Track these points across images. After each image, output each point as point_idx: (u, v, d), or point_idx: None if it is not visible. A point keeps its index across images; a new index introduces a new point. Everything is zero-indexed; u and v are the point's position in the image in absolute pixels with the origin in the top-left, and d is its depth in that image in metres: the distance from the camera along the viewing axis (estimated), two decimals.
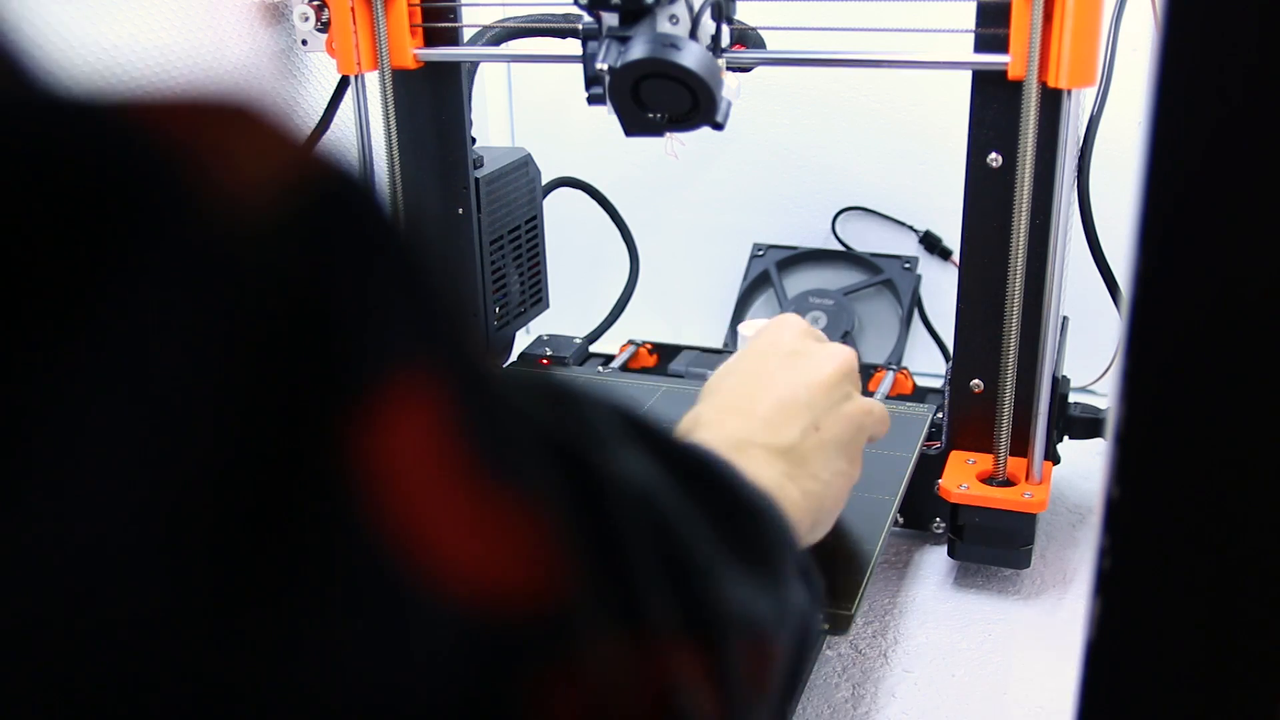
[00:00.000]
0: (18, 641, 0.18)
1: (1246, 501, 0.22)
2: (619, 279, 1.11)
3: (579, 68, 0.77)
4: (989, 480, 0.82)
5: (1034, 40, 0.72)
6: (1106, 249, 0.88)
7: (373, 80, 0.89)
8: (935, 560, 0.87)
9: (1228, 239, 0.20)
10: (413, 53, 0.88)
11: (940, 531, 0.85)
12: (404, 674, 0.20)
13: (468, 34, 0.91)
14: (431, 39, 0.89)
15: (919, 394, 0.96)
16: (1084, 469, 0.94)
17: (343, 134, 0.97)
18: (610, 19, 0.74)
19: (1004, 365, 0.79)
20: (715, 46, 0.75)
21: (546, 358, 0.99)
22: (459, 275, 0.96)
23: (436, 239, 0.94)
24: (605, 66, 0.74)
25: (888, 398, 0.93)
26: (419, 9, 0.88)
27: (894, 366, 0.98)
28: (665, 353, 1.04)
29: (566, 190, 1.10)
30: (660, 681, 0.27)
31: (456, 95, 0.92)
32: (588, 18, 0.76)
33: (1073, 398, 0.87)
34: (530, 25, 0.90)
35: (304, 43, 0.89)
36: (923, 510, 0.86)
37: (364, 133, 0.90)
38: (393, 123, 0.90)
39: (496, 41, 0.91)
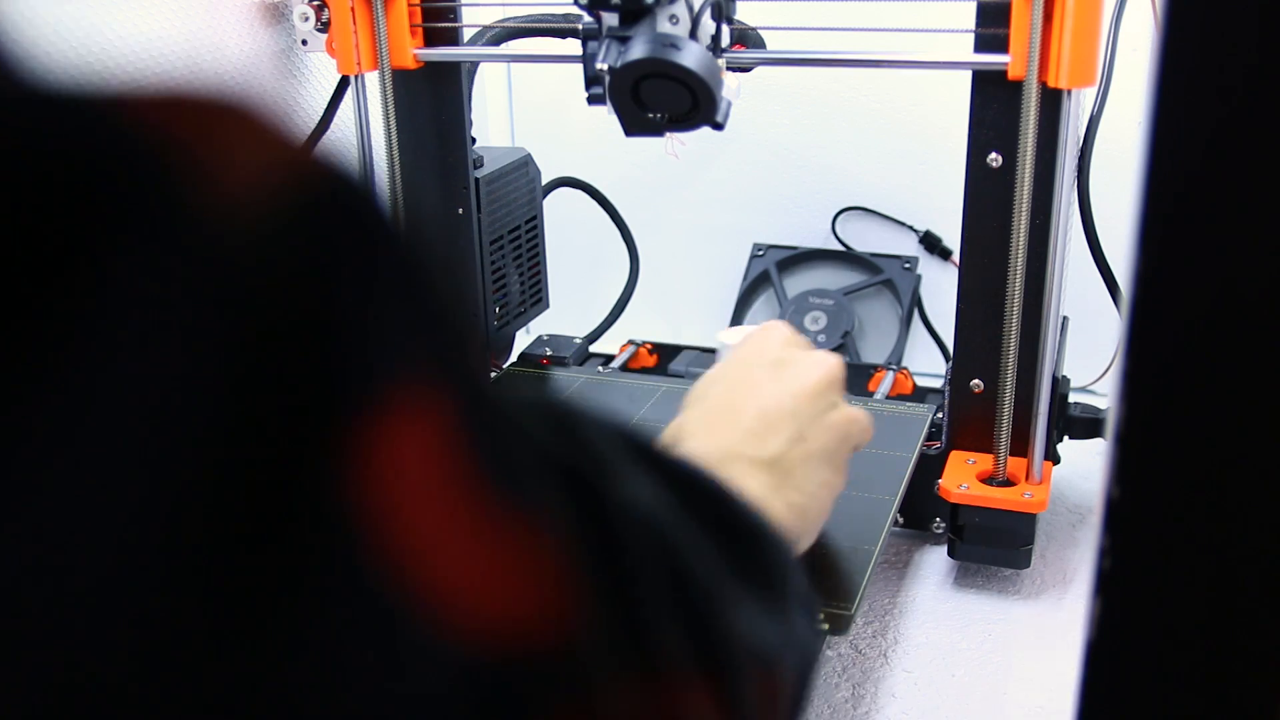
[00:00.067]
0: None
1: (1246, 501, 0.22)
2: (619, 279, 1.11)
3: (579, 68, 0.77)
4: (989, 480, 0.82)
5: (1034, 40, 0.72)
6: (1106, 249, 0.88)
7: (373, 80, 0.89)
8: (935, 560, 0.87)
9: (1227, 239, 0.20)
10: (413, 53, 0.88)
11: (940, 531, 0.85)
12: (402, 713, 0.19)
13: (468, 34, 0.91)
14: (431, 39, 0.89)
15: (919, 394, 0.96)
16: (1084, 469, 0.94)
17: (343, 134, 0.97)
18: (610, 19, 0.74)
19: (1004, 365, 0.79)
20: (715, 46, 0.75)
21: (546, 358, 0.99)
22: (459, 275, 0.96)
23: (436, 239, 0.95)
24: (605, 66, 0.74)
25: (888, 398, 0.93)
26: (419, 9, 0.88)
27: (894, 366, 0.98)
28: (665, 353, 1.04)
29: (566, 190, 1.10)
30: (671, 716, 0.27)
31: (456, 95, 0.92)
32: (588, 18, 0.76)
33: (1073, 398, 0.87)
34: (530, 25, 0.90)
35: (304, 43, 0.89)
36: (923, 510, 0.86)
37: (364, 133, 0.90)
38: (393, 123, 0.90)
39: (496, 41, 0.91)
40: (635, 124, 0.76)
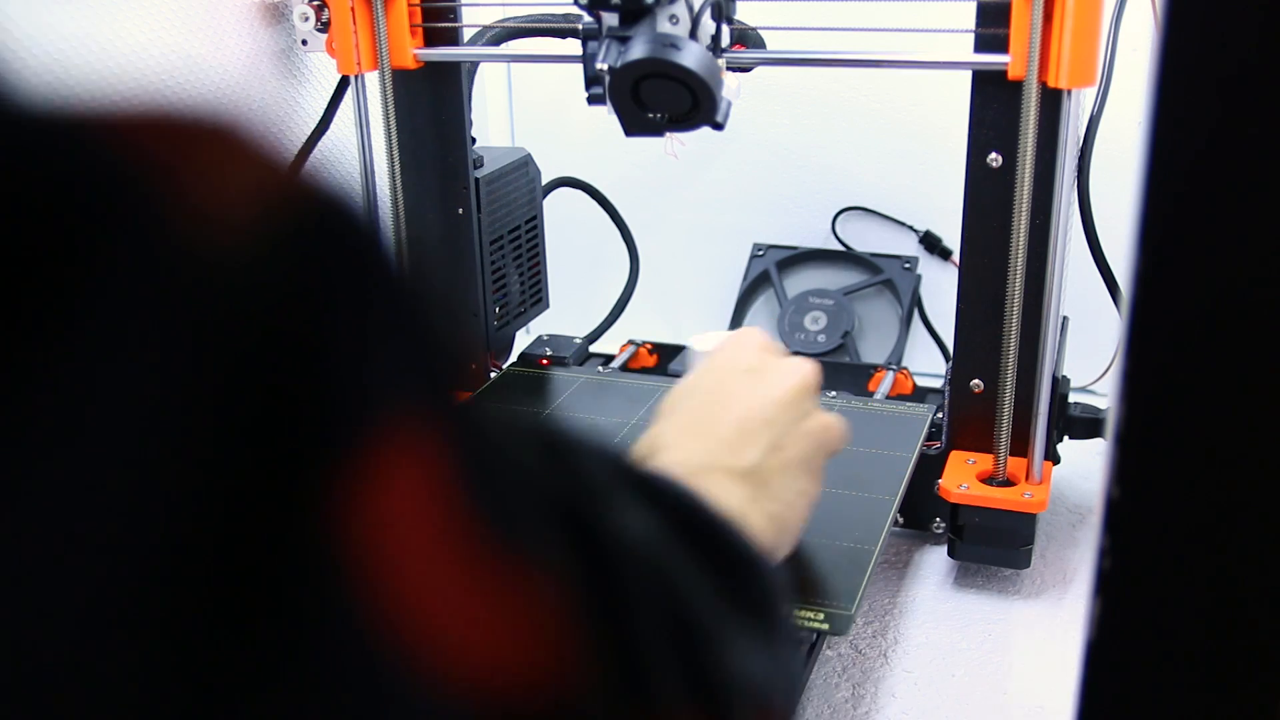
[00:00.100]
0: None
1: (1246, 501, 0.22)
2: (619, 279, 1.11)
3: (579, 68, 0.77)
4: (989, 480, 0.82)
5: (1034, 40, 0.72)
6: (1106, 249, 0.88)
7: (373, 80, 0.89)
8: (935, 560, 0.87)
9: (1227, 239, 0.20)
10: (413, 53, 0.88)
11: (940, 531, 0.85)
12: None
13: (468, 34, 0.91)
14: (431, 39, 0.89)
15: (919, 394, 0.96)
16: (1084, 469, 0.94)
17: (343, 134, 0.97)
18: (610, 19, 0.74)
19: (1004, 365, 0.79)
20: (715, 46, 0.75)
21: (546, 358, 0.99)
22: (459, 275, 0.96)
23: (436, 239, 0.94)
24: (605, 66, 0.74)
25: (888, 398, 0.93)
26: (419, 9, 0.88)
27: (894, 366, 0.98)
28: (665, 353, 1.04)
29: (566, 190, 1.10)
30: None
31: (456, 95, 0.92)
32: (588, 18, 0.76)
33: (1073, 398, 0.87)
34: (530, 25, 0.90)
35: (304, 43, 0.89)
36: (923, 510, 0.86)
37: (364, 133, 0.90)
38: (393, 123, 0.90)
39: (496, 41, 0.91)
40: (635, 124, 0.76)
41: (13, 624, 0.16)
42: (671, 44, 0.72)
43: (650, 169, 1.21)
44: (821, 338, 1.11)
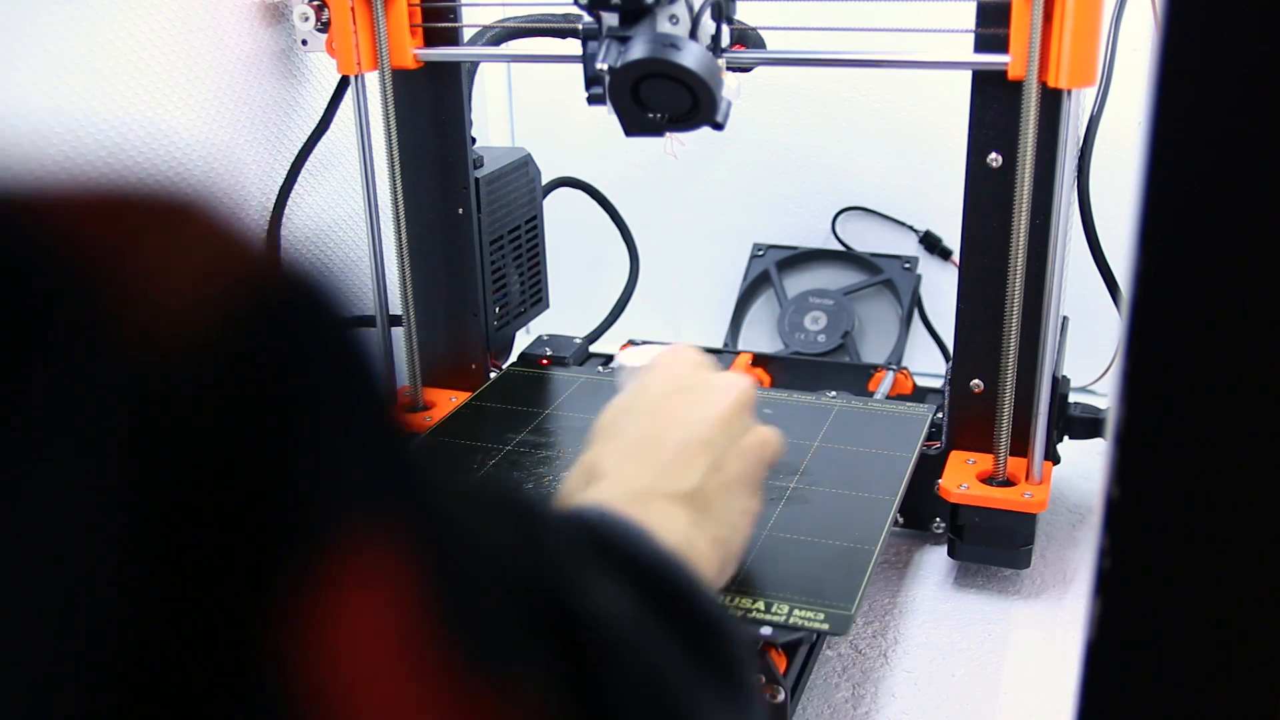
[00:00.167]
0: None
1: (1246, 501, 0.22)
2: (619, 279, 1.11)
3: (579, 68, 0.77)
4: (989, 480, 0.82)
5: (1034, 40, 0.72)
6: (1106, 249, 0.88)
7: (373, 80, 0.89)
8: (935, 560, 0.87)
9: (1228, 239, 0.20)
10: (413, 53, 0.88)
11: (940, 531, 0.85)
12: None
13: (468, 34, 0.91)
14: (431, 39, 0.89)
15: (919, 394, 0.96)
16: (1084, 469, 0.94)
17: (343, 134, 0.97)
18: (610, 19, 0.74)
19: (1004, 365, 0.79)
20: (715, 46, 0.75)
21: (546, 358, 0.99)
22: (459, 275, 0.96)
23: (436, 239, 0.94)
24: (605, 66, 0.74)
25: (888, 398, 0.93)
26: (419, 9, 0.88)
27: (894, 366, 0.98)
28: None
29: (566, 190, 1.10)
30: None
31: (456, 95, 0.92)
32: (588, 18, 0.76)
33: (1073, 398, 0.87)
34: (530, 25, 0.90)
35: (304, 43, 0.89)
36: (923, 510, 0.86)
37: (364, 133, 0.90)
38: (393, 123, 0.90)
39: (496, 41, 0.91)
40: (635, 124, 0.76)
41: None
42: (671, 44, 0.72)
43: (650, 169, 1.21)
44: (821, 338, 1.11)
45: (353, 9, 0.86)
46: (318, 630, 0.17)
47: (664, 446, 0.54)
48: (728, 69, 0.77)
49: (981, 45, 0.76)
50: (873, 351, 1.14)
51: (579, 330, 1.06)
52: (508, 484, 0.74)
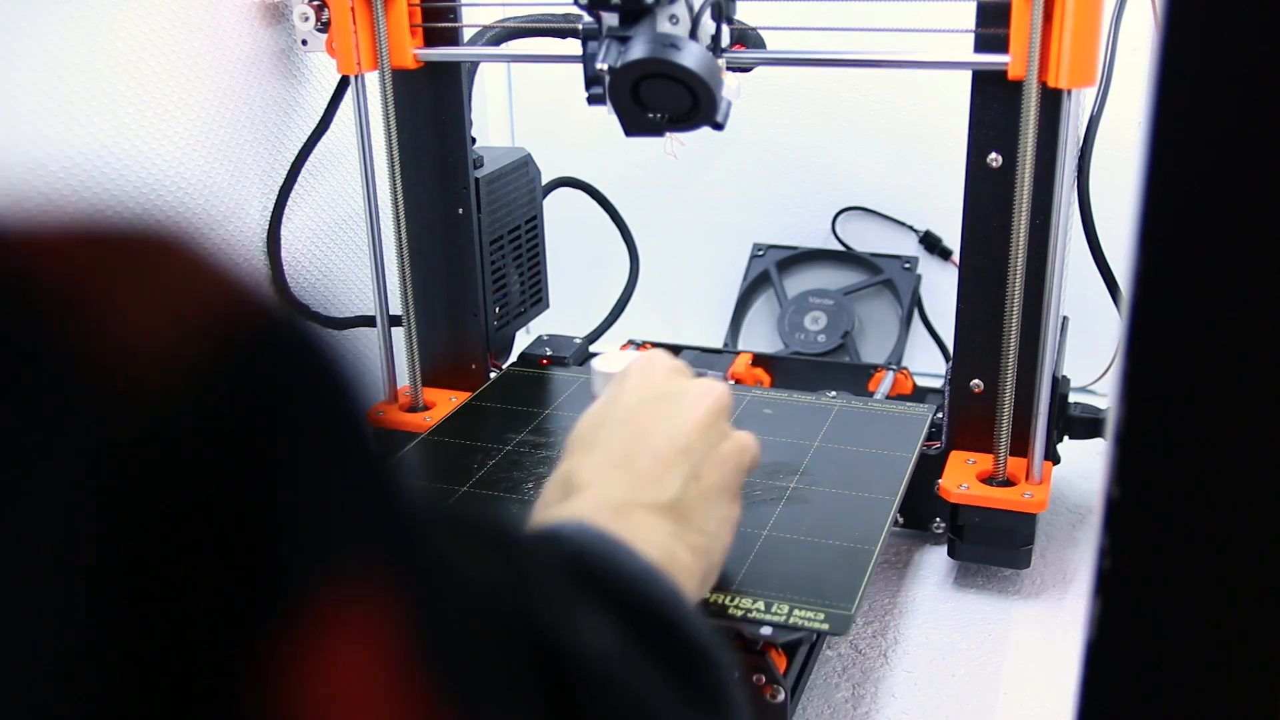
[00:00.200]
0: None
1: (1246, 501, 0.22)
2: (619, 279, 1.11)
3: (579, 68, 0.77)
4: (989, 480, 0.82)
5: (1034, 40, 0.72)
6: (1106, 249, 0.88)
7: (373, 80, 0.89)
8: (935, 560, 0.87)
9: (1227, 239, 0.20)
10: (413, 53, 0.88)
11: (940, 531, 0.85)
12: None
13: (468, 34, 0.91)
14: (431, 39, 0.89)
15: (919, 394, 0.96)
16: (1084, 469, 0.94)
17: (343, 134, 0.97)
18: (610, 19, 0.74)
19: (1004, 365, 0.79)
20: (715, 46, 0.75)
21: (546, 358, 0.99)
22: (459, 275, 0.96)
23: (436, 239, 0.94)
24: (605, 66, 0.74)
25: (888, 398, 0.93)
26: (419, 9, 0.88)
27: (894, 366, 0.98)
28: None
29: (566, 190, 1.10)
30: None
31: (456, 95, 0.92)
32: (588, 18, 0.76)
33: (1073, 398, 0.87)
34: (530, 25, 0.90)
35: (304, 43, 0.89)
36: (923, 510, 0.86)
37: (364, 133, 0.90)
38: (393, 123, 0.90)
39: (496, 41, 0.91)
40: (635, 124, 0.76)
41: None
42: (671, 44, 0.72)
43: (650, 169, 1.21)
44: (821, 338, 1.11)
45: (353, 9, 0.86)
46: (301, 674, 0.16)
47: (641, 457, 0.54)
48: (728, 69, 0.77)
49: (981, 45, 0.76)
50: (873, 351, 1.14)
51: (579, 330, 1.06)
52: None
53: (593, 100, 0.76)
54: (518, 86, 1.26)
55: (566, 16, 0.86)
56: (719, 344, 1.15)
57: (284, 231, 0.95)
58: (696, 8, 0.73)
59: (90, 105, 0.78)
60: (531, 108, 1.26)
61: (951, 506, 0.82)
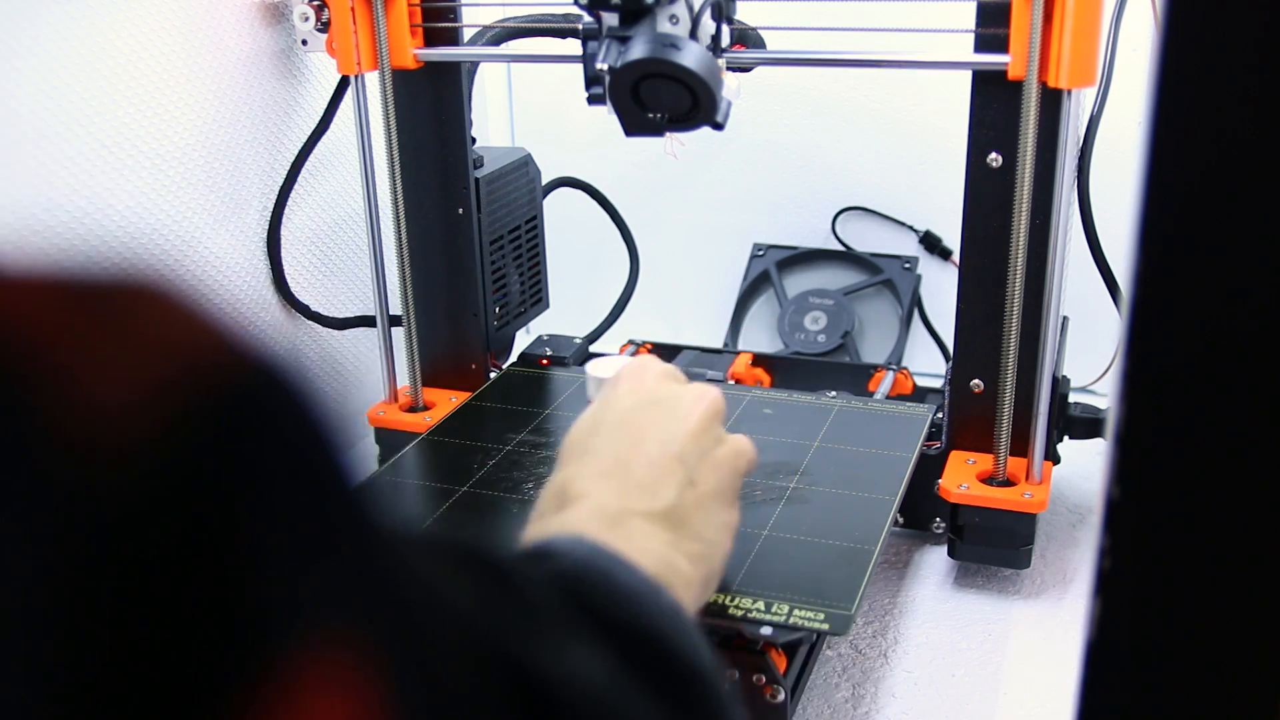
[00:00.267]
0: None
1: (1246, 501, 0.22)
2: (619, 279, 1.11)
3: (579, 68, 0.77)
4: (989, 480, 0.82)
5: (1034, 40, 0.72)
6: (1106, 249, 0.88)
7: (373, 80, 0.89)
8: (935, 560, 0.87)
9: (1228, 239, 0.20)
10: (413, 53, 0.88)
11: (940, 531, 0.85)
12: None
13: (468, 34, 0.91)
14: (431, 39, 0.89)
15: (919, 394, 0.96)
16: (1084, 469, 0.94)
17: (343, 134, 0.97)
18: (610, 19, 0.74)
19: (1004, 365, 0.79)
20: (715, 46, 0.75)
21: (546, 358, 0.99)
22: (459, 275, 0.96)
23: (436, 239, 0.94)
24: (605, 66, 0.74)
25: (888, 398, 0.93)
26: (419, 9, 0.88)
27: (894, 366, 0.98)
28: (665, 353, 1.04)
29: (566, 190, 1.10)
30: None
31: (456, 95, 0.92)
32: (588, 18, 0.76)
33: (1073, 398, 0.87)
34: (530, 25, 0.90)
35: (304, 43, 0.89)
36: (923, 510, 0.86)
37: (364, 133, 0.90)
38: (393, 123, 0.90)
39: (496, 41, 0.91)
40: (635, 124, 0.76)
41: None
42: (671, 44, 0.72)
43: (650, 169, 1.21)
44: (821, 338, 1.11)
45: (353, 9, 0.86)
46: None
47: (636, 464, 0.53)
48: (728, 69, 0.77)
49: (981, 45, 0.76)
50: (873, 351, 1.14)
51: (579, 330, 1.06)
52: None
53: (593, 100, 0.76)
54: (518, 86, 1.26)
55: (566, 16, 0.86)
56: (719, 344, 1.15)
57: (284, 231, 0.95)
58: (696, 8, 0.73)
59: (90, 105, 0.78)
60: (531, 108, 1.26)
61: (951, 506, 0.82)
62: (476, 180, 0.94)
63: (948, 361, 0.90)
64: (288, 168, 0.95)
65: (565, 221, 1.12)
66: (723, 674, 0.39)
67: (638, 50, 0.72)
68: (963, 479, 0.82)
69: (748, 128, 1.13)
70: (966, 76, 0.78)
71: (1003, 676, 0.75)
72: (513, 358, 1.03)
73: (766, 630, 0.61)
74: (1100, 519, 0.23)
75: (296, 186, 0.96)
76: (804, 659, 0.67)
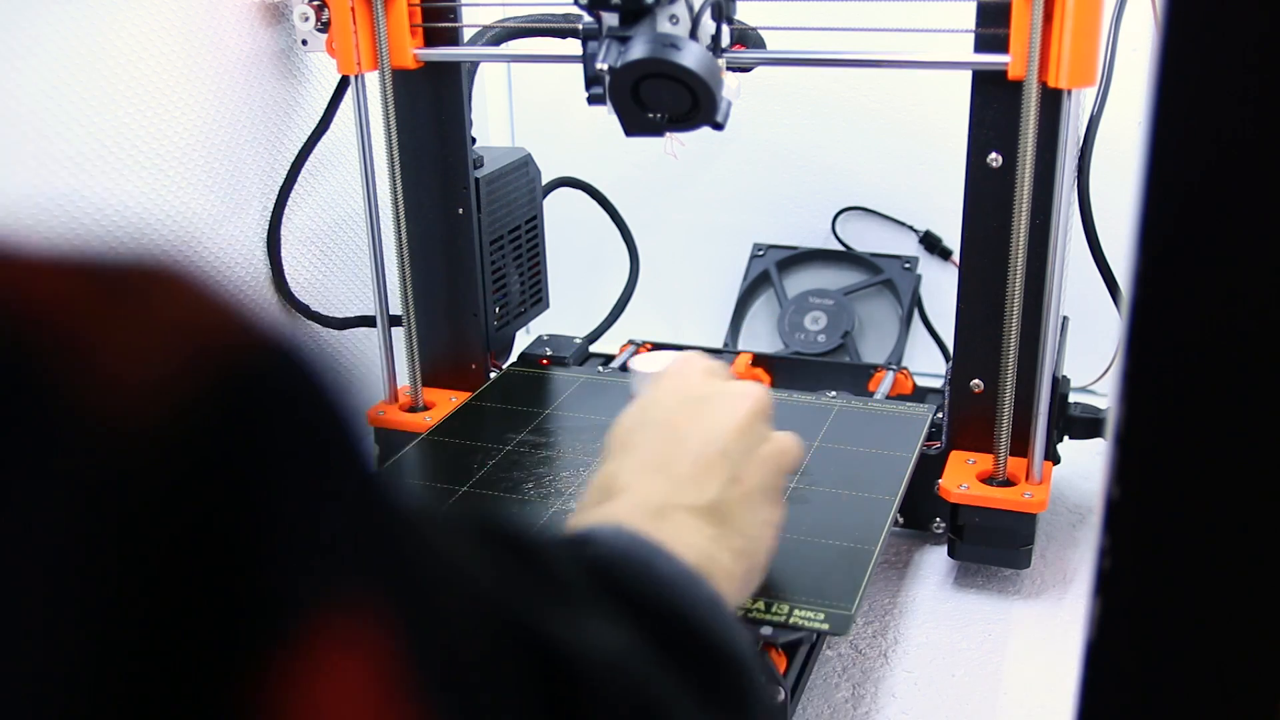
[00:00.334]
0: None
1: (1246, 501, 0.22)
2: (619, 279, 1.11)
3: (579, 68, 0.77)
4: (989, 480, 0.82)
5: (1034, 40, 0.72)
6: (1106, 249, 0.88)
7: (373, 80, 0.89)
8: (935, 560, 0.87)
9: (1227, 239, 0.20)
10: (413, 53, 0.88)
11: (940, 531, 0.85)
12: None
13: (468, 34, 0.91)
14: (431, 39, 0.89)
15: (919, 394, 0.96)
16: (1084, 469, 0.94)
17: (343, 134, 0.97)
18: (610, 19, 0.74)
19: (1004, 365, 0.79)
20: (715, 46, 0.75)
21: (546, 358, 0.99)
22: (459, 275, 0.96)
23: (436, 239, 0.94)
24: (605, 66, 0.74)
25: (888, 398, 0.93)
26: (419, 9, 0.88)
27: (894, 366, 0.98)
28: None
29: (566, 190, 1.10)
30: None
31: (456, 95, 0.92)
32: (588, 18, 0.76)
33: (1073, 398, 0.87)
34: (530, 25, 0.90)
35: (304, 43, 0.89)
36: (923, 510, 0.86)
37: (364, 133, 0.90)
38: (393, 123, 0.90)
39: (496, 41, 0.91)
40: (635, 124, 0.76)
41: None
42: (671, 44, 0.72)
43: (650, 169, 1.21)
44: (821, 338, 1.11)
45: (353, 9, 0.86)
46: (293, 695, 0.17)
47: (680, 459, 0.53)
48: (728, 69, 0.77)
49: (981, 45, 0.76)
50: (873, 351, 1.14)
51: (579, 330, 1.06)
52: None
53: (593, 100, 0.76)
54: (518, 86, 1.26)
55: (566, 16, 0.86)
56: (719, 344, 1.15)
57: (284, 231, 0.95)
58: (696, 8, 0.73)
59: (90, 105, 0.78)
60: (531, 108, 1.26)
61: (951, 506, 0.82)
62: (476, 180, 0.94)
63: (948, 361, 0.90)
64: (288, 168, 0.95)
65: (565, 221, 1.12)
66: (755, 660, 0.39)
67: (638, 50, 0.72)
68: (963, 479, 0.82)
69: (748, 128, 1.13)
70: (966, 76, 0.78)
71: (1003, 676, 0.75)
72: (513, 358, 1.03)
73: (766, 630, 0.61)
74: (1100, 519, 0.23)
75: (296, 186, 0.96)
76: (804, 659, 0.67)
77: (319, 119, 0.95)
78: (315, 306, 0.99)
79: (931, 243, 1.14)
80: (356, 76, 0.88)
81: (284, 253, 0.96)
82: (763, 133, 1.16)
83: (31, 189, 0.74)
